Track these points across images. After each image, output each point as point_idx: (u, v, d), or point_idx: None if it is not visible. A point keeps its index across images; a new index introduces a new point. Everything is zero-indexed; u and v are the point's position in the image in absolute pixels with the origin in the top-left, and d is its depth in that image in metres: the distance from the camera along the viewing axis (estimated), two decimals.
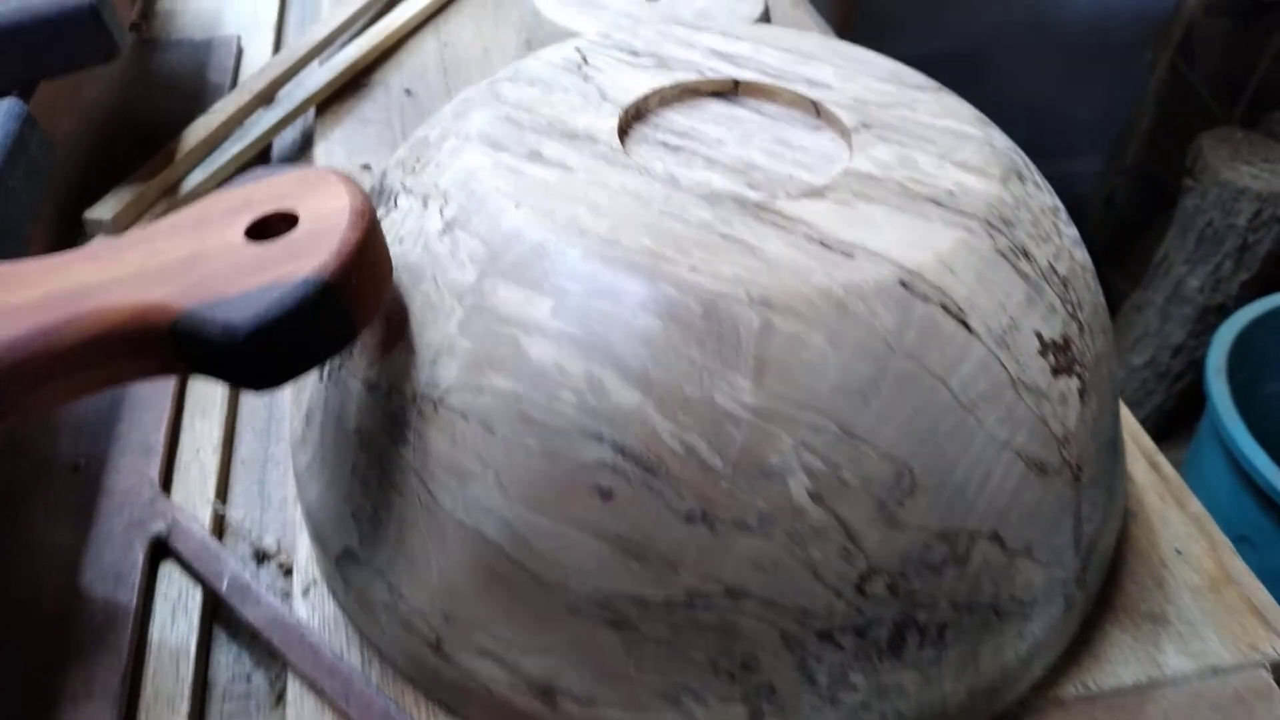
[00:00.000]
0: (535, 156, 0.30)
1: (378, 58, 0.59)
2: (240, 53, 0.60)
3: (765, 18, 0.56)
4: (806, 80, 0.35)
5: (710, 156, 0.31)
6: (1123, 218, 1.89)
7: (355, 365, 0.30)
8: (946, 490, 0.26)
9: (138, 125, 0.52)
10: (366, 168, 0.51)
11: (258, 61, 0.59)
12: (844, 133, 0.32)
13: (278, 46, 0.62)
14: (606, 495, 0.26)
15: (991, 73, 1.54)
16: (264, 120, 0.52)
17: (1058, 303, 0.29)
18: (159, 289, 0.25)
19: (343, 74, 0.56)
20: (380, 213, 0.32)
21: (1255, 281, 1.51)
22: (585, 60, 0.35)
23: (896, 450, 0.26)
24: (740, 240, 0.27)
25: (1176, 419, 1.62)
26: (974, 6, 1.46)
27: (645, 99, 0.33)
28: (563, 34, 0.53)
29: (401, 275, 0.29)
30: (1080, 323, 0.30)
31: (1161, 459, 0.41)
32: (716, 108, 0.34)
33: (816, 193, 0.29)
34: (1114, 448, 0.33)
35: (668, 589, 0.26)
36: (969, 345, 0.27)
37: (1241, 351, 1.18)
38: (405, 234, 0.30)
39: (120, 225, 0.45)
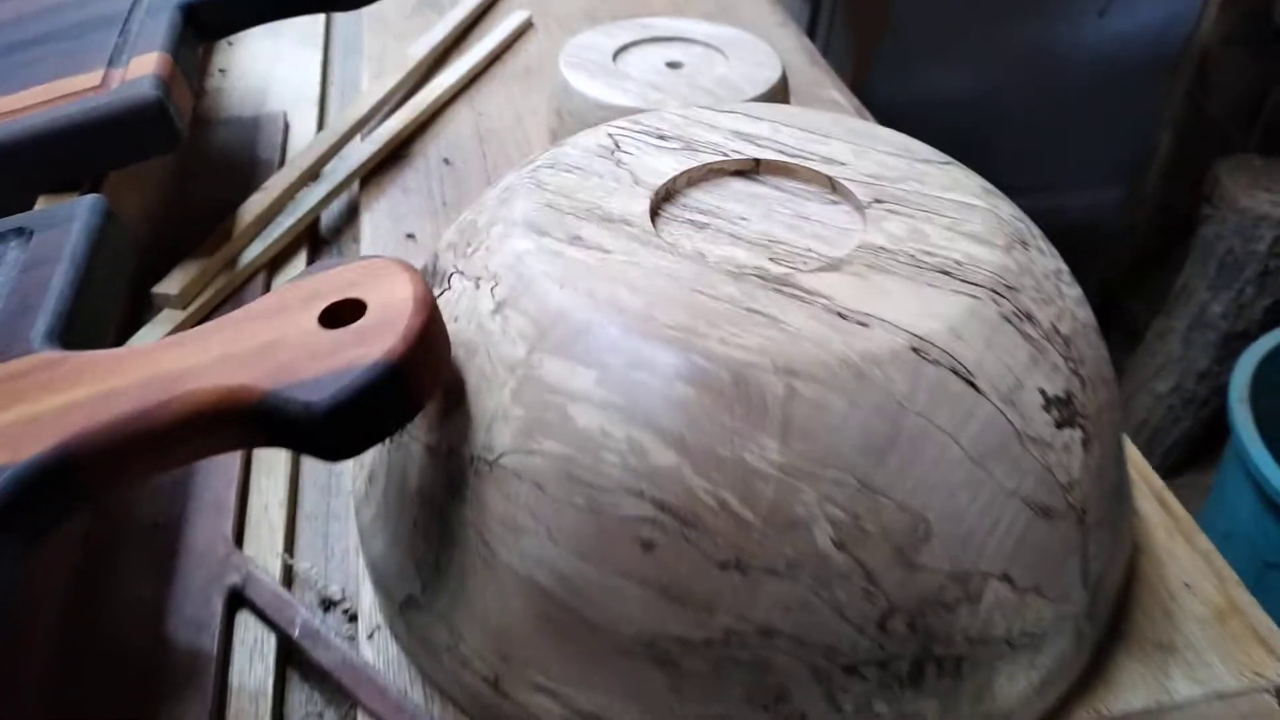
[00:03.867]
0: (575, 240, 0.33)
1: (416, 130, 0.63)
2: (287, 128, 0.64)
3: (783, 79, 0.59)
4: (823, 158, 0.38)
5: (734, 233, 0.34)
6: (1144, 246, 1.91)
7: (417, 431, 0.33)
8: (959, 536, 0.29)
9: (194, 202, 0.56)
10: (411, 237, 0.54)
11: (304, 135, 0.63)
12: (858, 207, 0.35)
13: (321, 120, 0.66)
14: (648, 546, 0.28)
15: (1009, 106, 1.56)
16: (312, 195, 0.56)
17: (1060, 361, 0.32)
18: (243, 373, 0.28)
19: (384, 147, 0.60)
20: (435, 293, 0.35)
21: (1278, 307, 1.52)
22: (617, 146, 0.38)
23: (912, 501, 0.28)
24: (764, 313, 0.30)
25: (1203, 445, 1.63)
26: (988, 44, 1.48)
27: (673, 181, 0.36)
28: (591, 104, 0.56)
29: (458, 350, 0.32)
30: (1082, 378, 0.33)
31: (1170, 497, 0.43)
32: (739, 186, 0.37)
33: (833, 266, 0.32)
34: (1118, 490, 0.35)
35: (706, 630, 0.28)
36: (977, 404, 0.30)
37: (1265, 378, 1.19)
38: (460, 313, 0.33)
39: (185, 299, 0.49)
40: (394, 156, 0.61)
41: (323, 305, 0.30)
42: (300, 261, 0.53)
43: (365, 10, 0.77)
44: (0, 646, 0.28)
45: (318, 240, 0.56)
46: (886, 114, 1.68)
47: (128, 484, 0.28)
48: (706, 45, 0.62)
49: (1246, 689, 0.36)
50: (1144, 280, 1.88)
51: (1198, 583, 0.39)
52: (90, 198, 0.38)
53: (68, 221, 0.36)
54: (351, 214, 0.58)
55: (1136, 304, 1.89)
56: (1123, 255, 1.86)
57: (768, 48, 0.61)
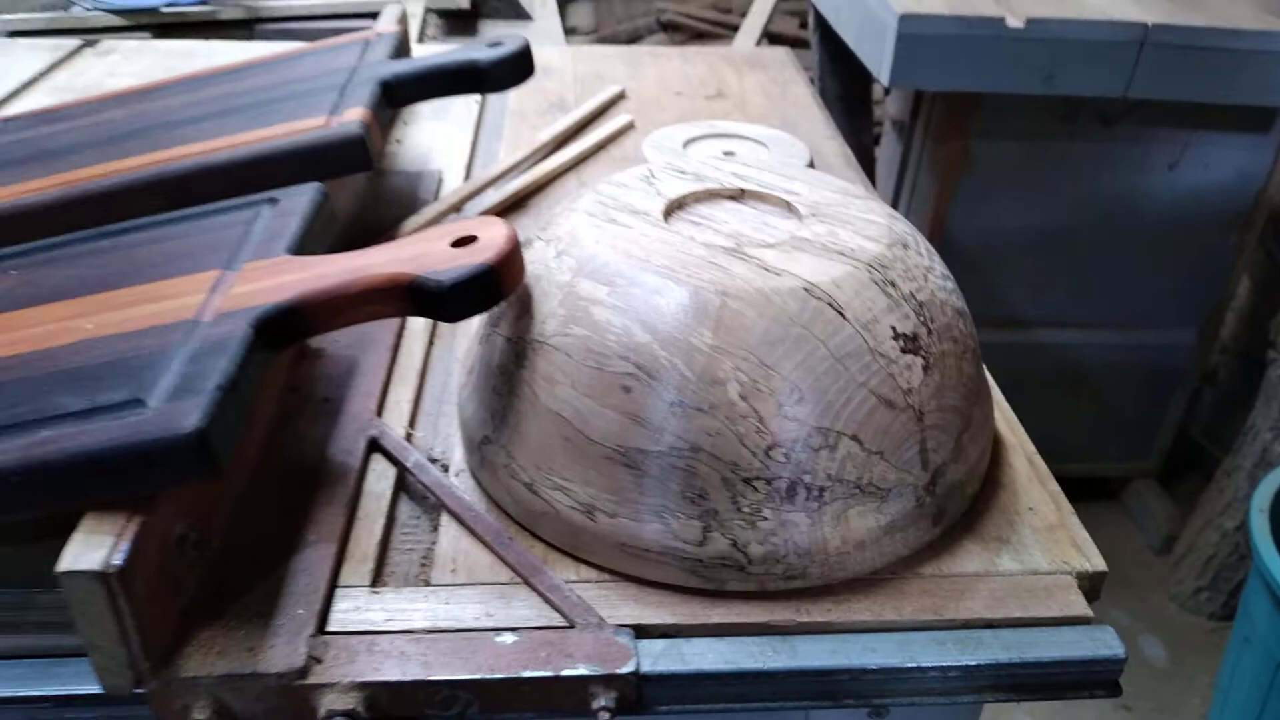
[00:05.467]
0: (611, 220, 0.53)
1: (535, 189, 0.84)
2: (440, 181, 0.86)
3: (810, 164, 0.79)
4: (787, 190, 0.56)
5: (715, 228, 0.53)
6: (1221, 391, 1.99)
7: (499, 328, 0.52)
8: (823, 403, 0.46)
9: (369, 223, 0.78)
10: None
11: (453, 186, 0.85)
12: (799, 217, 0.54)
13: (467, 178, 0.88)
14: (627, 390, 0.46)
15: (1082, 246, 1.65)
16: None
17: (911, 314, 0.49)
18: (403, 266, 0.48)
19: (510, 197, 0.81)
20: (525, 251, 0.55)
21: None
22: (653, 175, 0.58)
23: (792, 377, 0.46)
24: (720, 265, 0.49)
25: None
26: (1062, 187, 1.60)
27: (684, 197, 0.56)
28: None
29: (529, 279, 0.52)
30: (929, 329, 0.50)
31: (1039, 460, 0.58)
32: (728, 204, 0.56)
33: (770, 246, 0.51)
34: (960, 414, 0.51)
35: (658, 445, 0.46)
36: (843, 326, 0.47)
37: None
38: (534, 259, 0.53)
39: None
40: (517, 205, 0.82)
41: (452, 237, 0.50)
42: None
43: (508, 107, 1.01)
44: (239, 426, 0.47)
45: None
46: (965, 245, 1.84)
47: (329, 328, 0.48)
48: (756, 141, 0.82)
49: (1053, 570, 0.51)
50: (1219, 422, 1.95)
51: (1040, 507, 0.54)
52: (314, 184, 0.59)
53: (301, 194, 0.58)
54: None
55: (1211, 444, 1.96)
56: (1198, 397, 1.94)
57: (802, 144, 0.81)
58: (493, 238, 0.49)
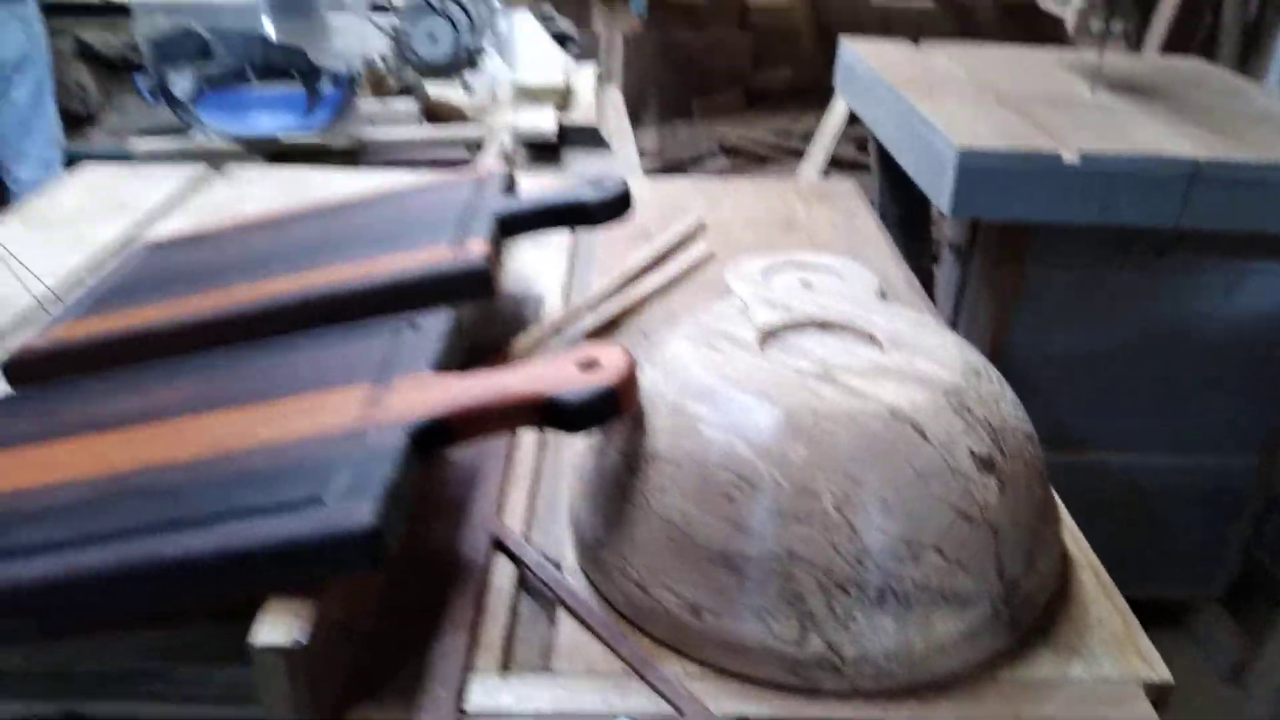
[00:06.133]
0: (711, 347, 0.60)
1: (626, 312, 0.92)
2: (542, 303, 0.94)
3: (881, 294, 0.85)
4: (866, 320, 0.63)
5: (805, 355, 0.60)
6: None
7: (611, 442, 0.59)
8: (908, 516, 0.52)
9: (481, 340, 0.85)
10: None
11: (553, 308, 0.93)
12: (881, 347, 0.60)
13: (566, 301, 0.96)
14: (731, 499, 0.52)
15: (1140, 371, 1.68)
16: (556, 344, 0.84)
17: (986, 437, 0.55)
18: (538, 386, 0.55)
19: (606, 320, 0.89)
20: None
21: None
22: (747, 305, 0.65)
23: (880, 491, 0.52)
24: (811, 389, 0.55)
25: None
26: (1117, 313, 1.64)
27: (775, 327, 0.63)
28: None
29: (642, 397, 0.58)
30: (1003, 452, 0.55)
31: (1104, 575, 0.63)
32: (814, 333, 0.63)
33: (856, 372, 0.57)
34: (1032, 530, 0.56)
35: (758, 550, 0.52)
36: (925, 446, 0.53)
37: None
38: (645, 380, 0.59)
39: None
40: (611, 327, 0.90)
41: (578, 360, 0.57)
42: None
43: (599, 237, 1.10)
44: (400, 524, 0.54)
45: None
46: (1024, 368, 1.87)
47: (471, 438, 0.55)
48: (830, 271, 0.89)
49: (1122, 679, 0.55)
50: None
51: (1107, 619, 0.59)
52: (447, 309, 0.67)
53: (438, 319, 0.65)
54: None
55: (1277, 569, 1.94)
56: (1264, 520, 1.93)
57: (871, 275, 0.88)
58: (614, 362, 0.56)
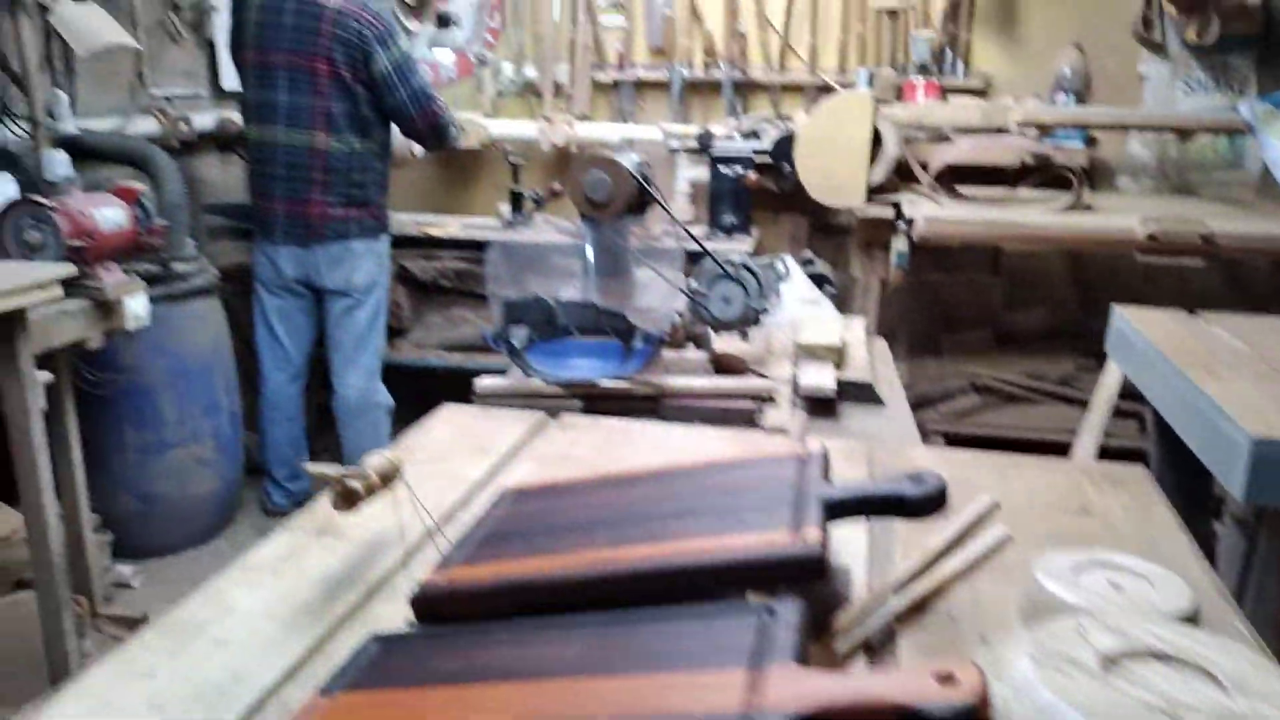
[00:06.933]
0: (1054, 668, 0.65)
1: (931, 595, 0.98)
2: (849, 578, 1.02)
3: (1195, 609, 0.88)
4: (1203, 658, 0.67)
5: (1147, 686, 0.64)
6: None
7: None
8: None
9: None
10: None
11: (858, 587, 1.01)
12: (1225, 690, 0.64)
13: (869, 581, 1.03)
14: None
15: None
16: (871, 621, 0.92)
17: None
18: (902, 696, 0.62)
19: (913, 602, 0.96)
20: None
21: None
22: (1085, 630, 0.70)
23: None
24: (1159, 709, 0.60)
25: None
26: None
27: (1116, 654, 0.68)
28: (1055, 599, 0.88)
29: (995, 704, 0.64)
30: None
31: None
32: (1154, 664, 0.67)
33: (1205, 715, 0.61)
34: None
35: None
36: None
37: None
38: (996, 698, 0.66)
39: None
40: (918, 608, 0.96)
41: (934, 673, 0.64)
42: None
43: (898, 523, 1.17)
44: None
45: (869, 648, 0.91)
46: None
47: None
48: (1140, 575, 0.92)
49: None
50: None
51: None
52: (796, 599, 0.76)
53: (789, 607, 0.75)
54: (888, 637, 0.92)
55: None
56: None
57: (1185, 586, 0.90)
58: (970, 680, 0.62)
